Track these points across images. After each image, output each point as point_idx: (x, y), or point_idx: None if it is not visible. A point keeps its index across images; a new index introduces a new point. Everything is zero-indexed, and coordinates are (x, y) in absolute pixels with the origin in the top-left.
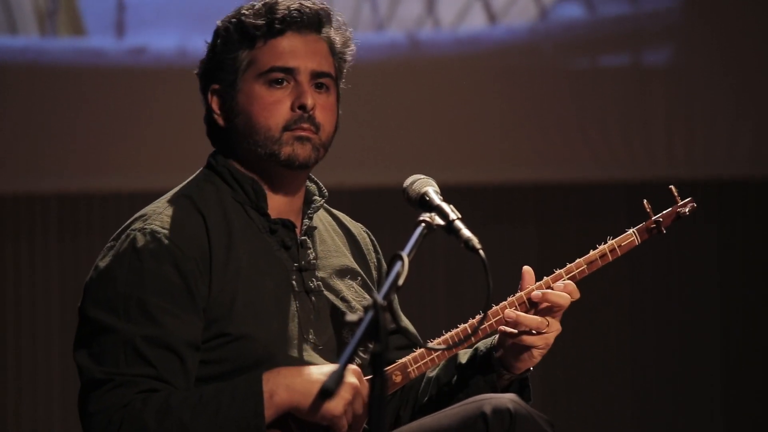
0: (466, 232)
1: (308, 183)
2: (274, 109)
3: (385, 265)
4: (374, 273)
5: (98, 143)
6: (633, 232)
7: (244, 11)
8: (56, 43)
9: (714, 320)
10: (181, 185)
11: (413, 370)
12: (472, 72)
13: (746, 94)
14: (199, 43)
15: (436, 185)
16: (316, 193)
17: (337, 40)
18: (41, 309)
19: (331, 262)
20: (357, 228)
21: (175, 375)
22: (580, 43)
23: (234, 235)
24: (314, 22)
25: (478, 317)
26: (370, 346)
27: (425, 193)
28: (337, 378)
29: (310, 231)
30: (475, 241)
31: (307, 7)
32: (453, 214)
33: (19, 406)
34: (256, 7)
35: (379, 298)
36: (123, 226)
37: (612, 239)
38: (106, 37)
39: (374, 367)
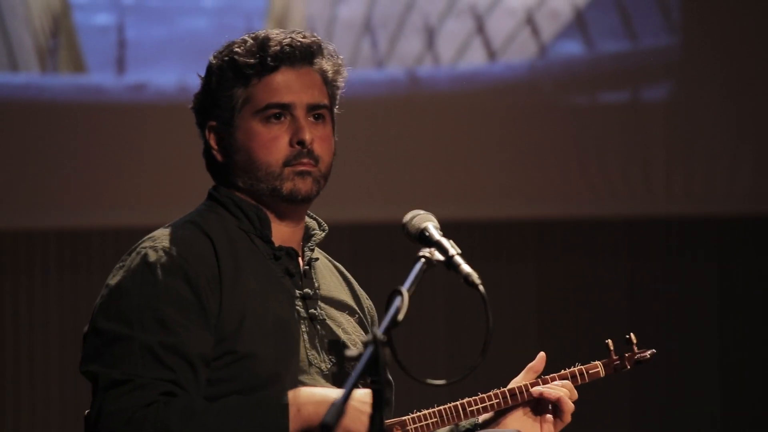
0: (466, 268)
1: (308, 219)
2: (273, 145)
3: (374, 313)
4: (368, 317)
5: (98, 179)
6: (599, 363)
7: (236, 48)
8: (57, 80)
9: (713, 357)
10: (183, 216)
11: (411, 429)
12: (471, 108)
13: (745, 131)
14: (199, 80)
15: (435, 221)
16: (316, 227)
17: (329, 69)
18: (39, 345)
19: (331, 294)
20: (346, 273)
21: (190, 384)
22: (580, 79)
23: (240, 260)
24: (306, 54)
25: (481, 395)
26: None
27: (425, 229)
28: (337, 413)
29: (312, 262)
30: (475, 276)
31: (298, 40)
32: (453, 249)
33: None
34: (248, 44)
35: (379, 333)
36: (131, 248)
37: (580, 365)
38: (106, 73)
39: (373, 404)
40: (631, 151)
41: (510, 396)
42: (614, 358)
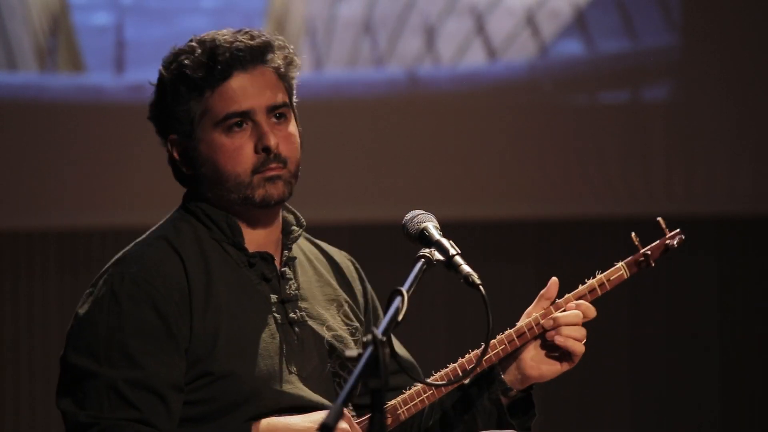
0: (466, 268)
1: (285, 213)
2: (239, 155)
3: (373, 294)
4: (361, 300)
5: (97, 179)
6: (622, 265)
7: (184, 61)
8: (56, 80)
9: (713, 357)
10: (156, 226)
11: (403, 411)
12: (471, 108)
13: (746, 131)
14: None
15: (435, 221)
16: (294, 223)
17: (282, 63)
18: (39, 345)
19: (313, 291)
20: (341, 256)
21: (159, 417)
22: (580, 79)
23: (213, 273)
24: (256, 54)
25: (476, 351)
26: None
27: (425, 229)
28: (336, 414)
29: (290, 261)
30: (475, 276)
31: (246, 42)
32: (452, 249)
33: None
34: (196, 53)
35: (379, 333)
36: (101, 272)
37: (600, 273)
38: (105, 73)
39: (373, 405)
40: (631, 150)
41: (517, 337)
42: (640, 252)
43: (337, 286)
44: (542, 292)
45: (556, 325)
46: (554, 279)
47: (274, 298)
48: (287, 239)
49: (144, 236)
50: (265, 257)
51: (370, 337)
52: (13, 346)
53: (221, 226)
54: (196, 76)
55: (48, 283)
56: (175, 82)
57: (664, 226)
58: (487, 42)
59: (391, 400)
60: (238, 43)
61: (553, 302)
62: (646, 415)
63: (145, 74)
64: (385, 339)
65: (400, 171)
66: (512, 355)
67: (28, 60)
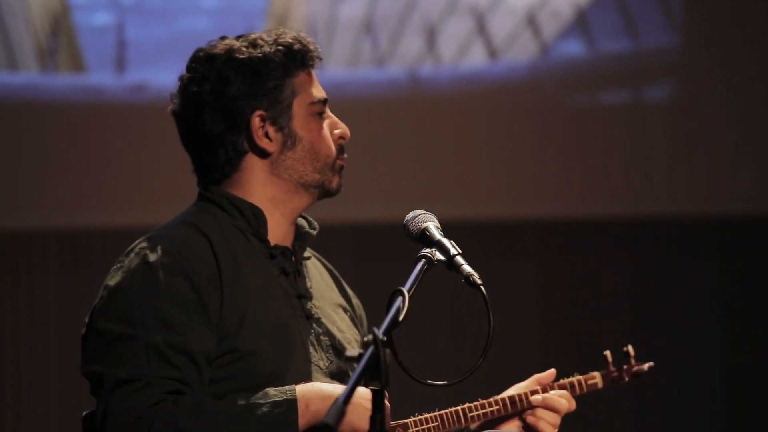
0: (467, 268)
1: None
2: (328, 138)
3: (362, 312)
4: (357, 315)
5: (98, 179)
6: (599, 375)
7: (283, 40)
8: (56, 80)
9: (714, 358)
10: (176, 217)
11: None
12: (472, 108)
13: (747, 131)
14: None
15: (436, 220)
16: (306, 226)
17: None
18: (40, 345)
19: (323, 293)
20: (334, 271)
21: (196, 383)
22: (581, 79)
23: (238, 257)
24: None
25: (495, 398)
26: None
27: (426, 229)
28: (338, 414)
29: (304, 260)
30: (476, 276)
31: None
32: (454, 249)
33: None
34: (288, 34)
35: (380, 333)
36: (128, 249)
37: (577, 375)
38: (106, 73)
39: (374, 404)
40: (633, 151)
41: (510, 404)
42: (612, 369)
43: (339, 295)
44: (538, 375)
45: (543, 404)
46: (552, 370)
47: (292, 292)
48: (301, 240)
49: (166, 224)
50: (285, 252)
51: (371, 337)
52: (13, 346)
53: (246, 215)
54: (301, 52)
55: (48, 283)
56: (274, 59)
57: (632, 354)
58: (488, 42)
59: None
60: (308, 38)
61: (544, 389)
62: (647, 415)
63: (146, 74)
64: (386, 339)
65: (401, 171)
66: (491, 423)
67: (29, 60)
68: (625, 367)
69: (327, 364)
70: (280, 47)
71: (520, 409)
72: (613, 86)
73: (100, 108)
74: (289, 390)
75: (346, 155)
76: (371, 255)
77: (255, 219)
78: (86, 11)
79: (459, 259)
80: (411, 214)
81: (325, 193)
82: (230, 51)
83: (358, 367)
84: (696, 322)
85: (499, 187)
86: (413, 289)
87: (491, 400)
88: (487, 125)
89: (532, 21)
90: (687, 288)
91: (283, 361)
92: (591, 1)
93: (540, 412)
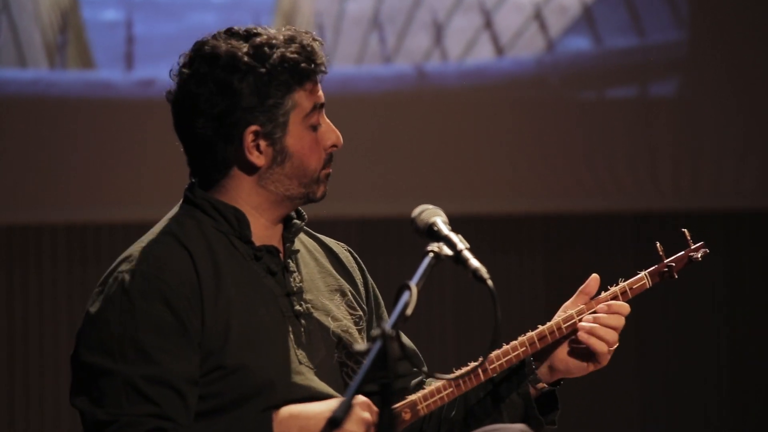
0: (474, 263)
1: None
2: (318, 150)
3: (373, 284)
4: (362, 289)
5: (106, 174)
6: (645, 275)
7: (289, 54)
8: (65, 76)
9: (721, 353)
10: (160, 223)
11: (423, 407)
12: (479, 104)
13: (753, 126)
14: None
15: (444, 215)
16: (295, 216)
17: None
18: (49, 339)
19: (316, 283)
20: (339, 247)
21: (177, 412)
22: (587, 75)
23: (221, 266)
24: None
25: (520, 339)
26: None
27: (433, 224)
28: (346, 407)
29: (292, 254)
30: (484, 271)
31: (319, 42)
32: (461, 244)
33: None
34: (294, 46)
35: (387, 327)
36: (109, 270)
37: (624, 281)
38: (115, 69)
39: (383, 399)
40: (639, 146)
41: (538, 339)
42: (664, 263)
43: (339, 276)
44: (582, 287)
45: (595, 323)
46: (595, 275)
47: (279, 291)
48: (289, 232)
49: (148, 234)
50: (271, 250)
51: (378, 331)
52: (22, 339)
53: (229, 218)
54: (307, 71)
55: (57, 277)
56: (276, 72)
57: (689, 237)
58: (495, 38)
59: (411, 395)
60: (316, 44)
61: (593, 297)
62: (654, 409)
63: (155, 70)
64: (393, 333)
65: (408, 166)
66: (545, 349)
67: (39, 56)
68: (678, 255)
69: (318, 361)
70: (286, 64)
71: (551, 341)
72: (619, 82)
73: (109, 103)
74: (267, 421)
75: (331, 163)
76: (378, 249)
77: (237, 222)
78: (95, 7)
79: (466, 253)
80: (418, 209)
81: (308, 201)
82: (235, 57)
83: (366, 362)
84: (701, 315)
85: (506, 181)
86: (421, 283)
87: (515, 342)
88: (494, 120)
89: (538, 16)
90: (692, 282)
91: (273, 368)
92: None
93: (594, 328)
